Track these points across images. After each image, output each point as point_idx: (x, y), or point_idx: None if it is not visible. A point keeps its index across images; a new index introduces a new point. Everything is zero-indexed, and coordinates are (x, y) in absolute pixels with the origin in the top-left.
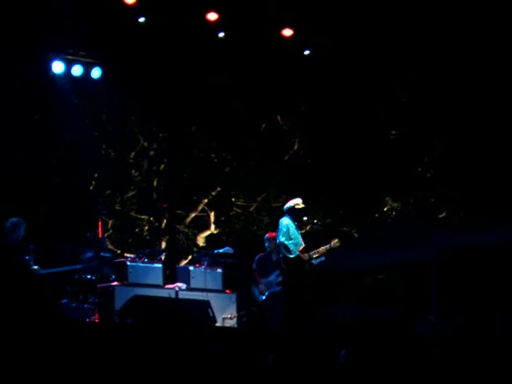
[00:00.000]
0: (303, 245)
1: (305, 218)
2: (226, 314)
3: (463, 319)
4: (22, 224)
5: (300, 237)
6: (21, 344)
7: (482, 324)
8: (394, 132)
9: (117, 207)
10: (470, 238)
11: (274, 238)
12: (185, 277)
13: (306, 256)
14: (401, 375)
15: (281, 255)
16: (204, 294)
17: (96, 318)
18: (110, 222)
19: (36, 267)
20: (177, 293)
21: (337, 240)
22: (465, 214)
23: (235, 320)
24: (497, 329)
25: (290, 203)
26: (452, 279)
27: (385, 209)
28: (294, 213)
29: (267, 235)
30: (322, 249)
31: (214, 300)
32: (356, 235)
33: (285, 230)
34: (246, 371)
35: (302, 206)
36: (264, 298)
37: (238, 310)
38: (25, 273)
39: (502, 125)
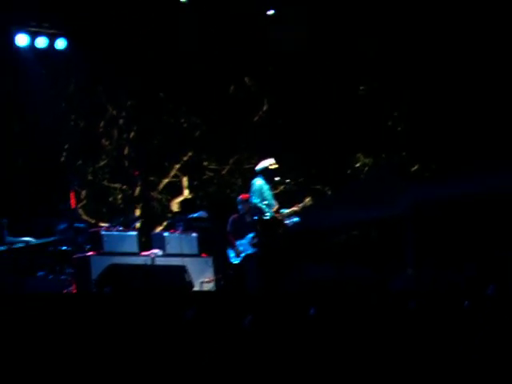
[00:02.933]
0: (276, 205)
1: (277, 178)
2: (203, 278)
3: (439, 272)
4: None
5: (273, 197)
6: None
7: (455, 275)
8: (362, 87)
9: (89, 177)
10: (443, 190)
11: (247, 200)
12: (160, 243)
13: (279, 216)
14: (375, 330)
15: (255, 217)
16: (180, 259)
17: (73, 289)
18: (83, 192)
19: (28, 238)
20: (153, 259)
21: (309, 198)
22: (437, 166)
23: (213, 283)
24: (471, 278)
25: (263, 164)
26: (427, 232)
27: (357, 165)
28: (266, 173)
29: (240, 197)
30: (296, 208)
31: (191, 264)
32: (329, 193)
33: (258, 191)
34: (225, 334)
35: (275, 166)
36: (240, 260)
37: (215, 273)
38: None
39: (470, 75)
